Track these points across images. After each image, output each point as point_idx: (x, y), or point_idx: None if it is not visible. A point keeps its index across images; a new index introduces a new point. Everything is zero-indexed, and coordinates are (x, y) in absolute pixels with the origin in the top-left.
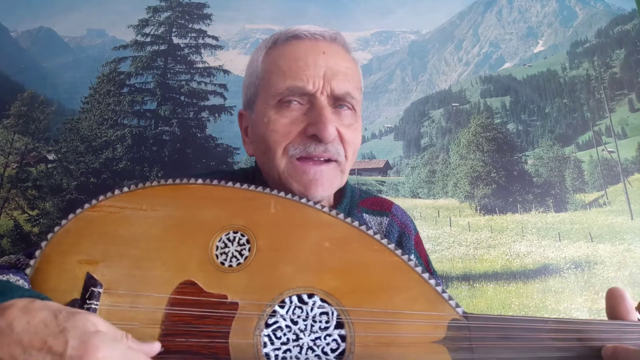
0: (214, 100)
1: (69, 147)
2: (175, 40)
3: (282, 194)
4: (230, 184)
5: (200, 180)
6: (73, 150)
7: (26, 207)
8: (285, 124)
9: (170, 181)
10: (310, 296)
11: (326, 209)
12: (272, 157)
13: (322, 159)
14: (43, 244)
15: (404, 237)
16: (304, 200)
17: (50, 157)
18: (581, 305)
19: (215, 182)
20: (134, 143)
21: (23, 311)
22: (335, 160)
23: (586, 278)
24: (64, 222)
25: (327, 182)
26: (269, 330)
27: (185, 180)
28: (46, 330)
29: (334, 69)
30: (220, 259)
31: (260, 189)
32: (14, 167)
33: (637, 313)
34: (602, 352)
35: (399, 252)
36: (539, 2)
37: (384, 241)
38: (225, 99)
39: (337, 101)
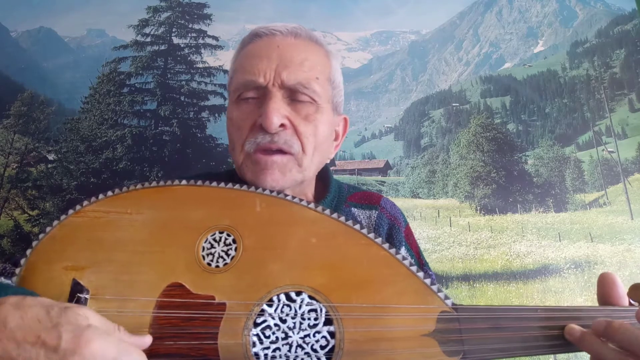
0: (214, 100)
1: (69, 147)
2: (175, 40)
3: (267, 192)
4: (214, 184)
5: (184, 182)
6: (73, 150)
7: (26, 207)
8: (241, 118)
9: (154, 183)
10: (298, 294)
11: (312, 205)
12: (233, 152)
13: (272, 149)
14: (28, 252)
15: (394, 229)
16: (289, 198)
17: (50, 157)
18: (581, 305)
19: (199, 182)
20: (134, 143)
21: (15, 307)
22: (289, 153)
23: (586, 278)
24: (48, 229)
25: (278, 172)
26: (257, 330)
27: (169, 182)
28: (39, 325)
29: (287, 61)
30: (207, 259)
31: (245, 187)
32: (14, 167)
33: (628, 298)
34: (593, 325)
35: (386, 245)
36: (539, 2)
37: (371, 235)
38: (225, 99)
39: (293, 93)
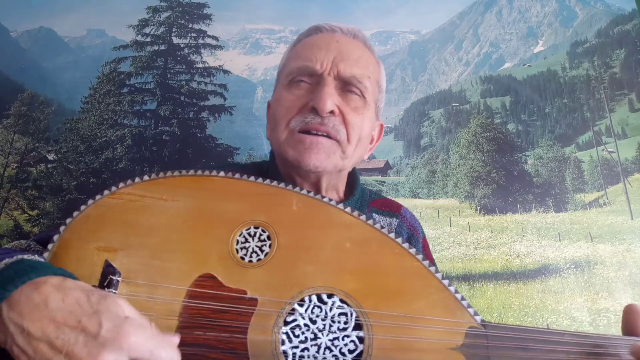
0: (214, 100)
1: (69, 147)
2: (175, 40)
3: (304, 191)
4: (252, 178)
5: (222, 173)
6: (73, 150)
7: (26, 207)
8: (291, 100)
9: (192, 172)
10: (329, 296)
11: (348, 210)
12: (277, 130)
13: (319, 132)
14: (62, 228)
15: (413, 239)
16: (325, 200)
17: (50, 157)
18: (581, 305)
19: (237, 175)
20: (134, 143)
21: (57, 288)
22: (335, 139)
23: (586, 278)
24: (83, 207)
25: (322, 153)
26: (287, 328)
27: (207, 172)
28: (80, 309)
29: (345, 54)
30: (241, 253)
31: (282, 185)
32: (14, 167)
33: None
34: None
35: (419, 257)
36: (539, 2)
37: (405, 245)
38: (225, 99)
39: (345, 85)
